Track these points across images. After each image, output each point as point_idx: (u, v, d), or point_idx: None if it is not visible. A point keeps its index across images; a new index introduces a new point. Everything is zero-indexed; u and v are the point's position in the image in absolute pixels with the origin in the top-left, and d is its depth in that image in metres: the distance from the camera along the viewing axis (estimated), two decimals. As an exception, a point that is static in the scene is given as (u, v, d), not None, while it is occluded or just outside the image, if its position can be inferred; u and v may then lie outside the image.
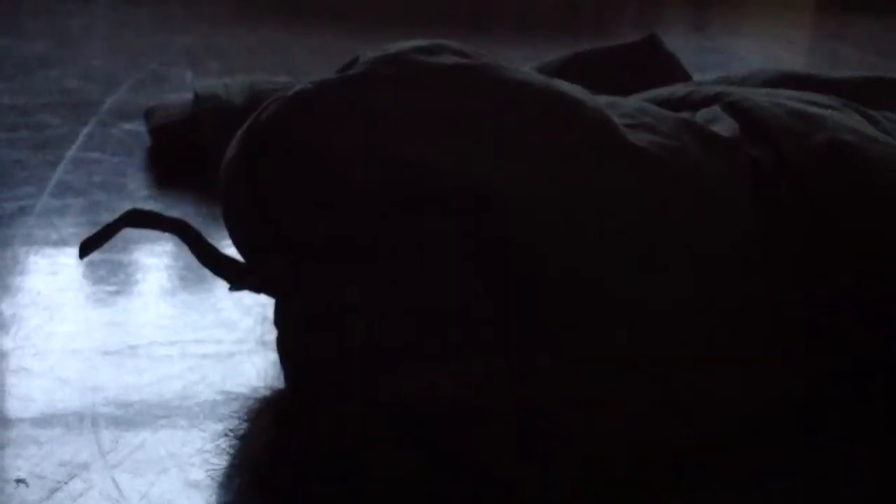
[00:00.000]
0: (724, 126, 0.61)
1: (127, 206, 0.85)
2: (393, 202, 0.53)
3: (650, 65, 0.96)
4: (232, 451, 0.54)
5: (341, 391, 0.57)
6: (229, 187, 0.57)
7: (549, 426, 0.55)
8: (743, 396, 0.58)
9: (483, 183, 0.53)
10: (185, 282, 0.73)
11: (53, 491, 0.49)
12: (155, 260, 0.76)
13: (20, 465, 0.51)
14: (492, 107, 0.56)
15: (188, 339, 0.65)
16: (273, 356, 0.63)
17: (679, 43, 1.66)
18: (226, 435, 0.55)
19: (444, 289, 0.53)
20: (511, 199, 0.53)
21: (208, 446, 0.54)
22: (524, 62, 1.43)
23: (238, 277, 0.58)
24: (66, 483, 0.50)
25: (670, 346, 0.56)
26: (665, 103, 0.71)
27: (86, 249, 0.56)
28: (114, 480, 0.51)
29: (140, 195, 0.88)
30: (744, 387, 0.58)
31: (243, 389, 0.60)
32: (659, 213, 0.55)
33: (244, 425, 0.56)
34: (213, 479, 0.51)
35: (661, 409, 0.56)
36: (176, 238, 0.79)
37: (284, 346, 0.59)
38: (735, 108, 0.63)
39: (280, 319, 0.58)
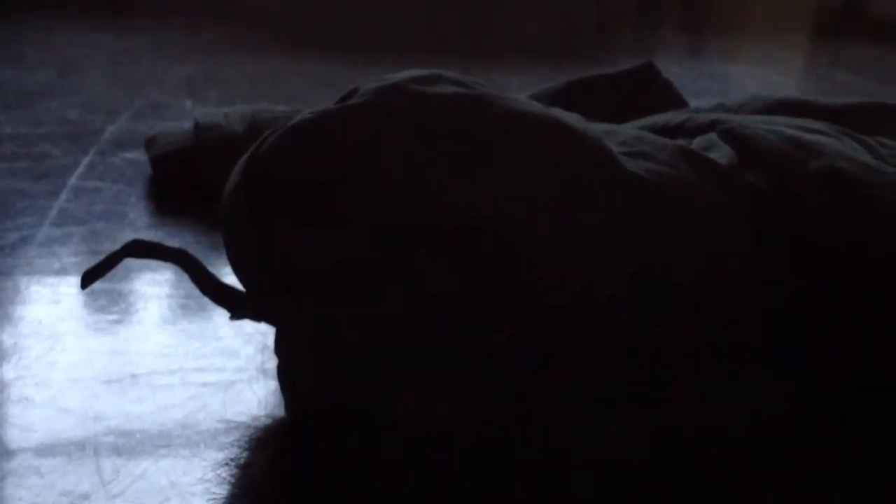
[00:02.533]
0: (721, 153, 0.62)
1: (128, 234, 0.86)
2: (392, 232, 0.54)
3: (647, 92, 0.97)
4: (233, 481, 0.54)
5: (341, 420, 0.57)
6: (230, 218, 0.58)
7: (550, 453, 0.55)
8: (739, 420, 0.58)
9: (482, 212, 0.53)
10: (186, 311, 0.73)
11: (55, 521, 0.50)
12: (156, 289, 0.76)
13: (21, 496, 0.51)
14: (490, 136, 0.56)
15: (189, 367, 0.65)
16: (274, 384, 0.63)
17: (676, 68, 1.67)
18: (227, 464, 0.55)
19: (446, 317, 0.54)
20: (509, 228, 0.53)
21: (209, 475, 0.54)
22: (521, 89, 1.44)
23: (239, 307, 0.58)
24: (67, 513, 0.50)
25: (668, 370, 0.56)
26: (662, 131, 0.71)
27: (88, 279, 0.57)
28: (115, 510, 0.51)
29: (141, 224, 0.88)
30: (740, 410, 0.58)
31: (244, 418, 0.60)
32: (655, 240, 0.55)
33: (245, 454, 0.56)
34: (214, 508, 0.51)
35: (661, 436, 0.57)
36: (176, 267, 0.80)
37: (285, 375, 0.59)
38: (731, 136, 0.64)
39: (281, 348, 0.59)
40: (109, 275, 0.77)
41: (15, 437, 0.56)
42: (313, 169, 0.55)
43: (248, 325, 0.71)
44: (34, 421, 0.58)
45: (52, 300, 0.73)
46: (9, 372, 0.63)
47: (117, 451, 0.56)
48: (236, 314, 0.58)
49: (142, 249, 0.57)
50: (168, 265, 0.80)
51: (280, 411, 0.60)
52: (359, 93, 0.58)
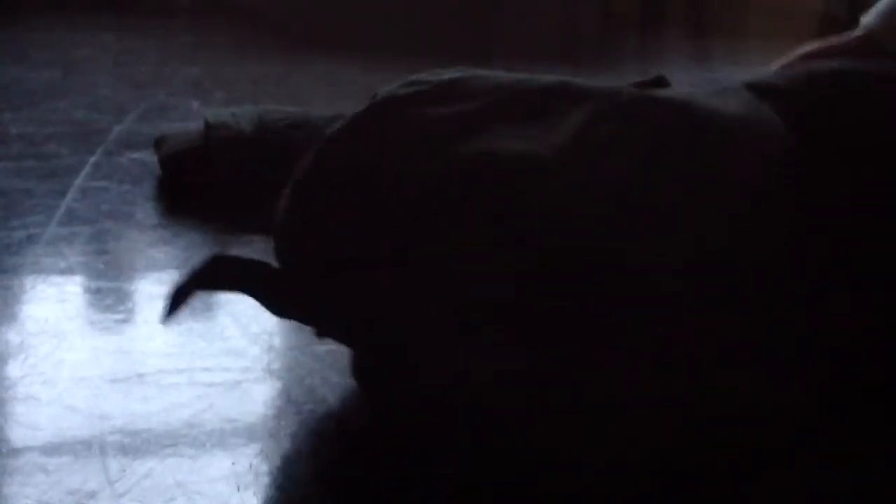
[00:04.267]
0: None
1: (135, 234, 0.86)
2: (429, 204, 0.55)
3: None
4: (239, 480, 0.54)
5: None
6: (287, 225, 0.59)
7: (553, 454, 0.55)
8: (740, 420, 0.58)
9: (513, 173, 0.55)
10: (192, 310, 0.73)
11: (62, 519, 0.50)
12: (162, 288, 0.76)
13: (28, 494, 0.51)
14: (510, 98, 0.59)
15: (195, 367, 0.65)
16: (280, 384, 0.63)
17: (682, 74, 1.67)
18: (233, 463, 0.55)
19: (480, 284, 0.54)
20: (540, 184, 0.54)
21: (215, 475, 0.54)
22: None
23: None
24: (74, 511, 0.50)
25: (668, 370, 0.56)
26: None
27: (171, 312, 0.56)
28: (122, 508, 0.51)
29: (148, 224, 0.88)
30: (741, 410, 0.58)
31: (250, 418, 0.60)
32: (685, 183, 0.56)
33: (251, 454, 0.56)
34: (220, 507, 0.51)
35: (661, 436, 0.56)
36: (180, 265, 0.80)
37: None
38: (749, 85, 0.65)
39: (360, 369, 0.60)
40: (115, 274, 0.78)
41: (21, 436, 0.56)
42: (358, 167, 0.56)
43: (254, 324, 0.71)
44: (41, 419, 0.58)
45: (59, 299, 0.73)
46: (15, 370, 0.63)
47: (123, 449, 0.56)
48: (323, 332, 0.60)
49: (223, 271, 0.57)
50: (173, 264, 0.80)
51: (286, 411, 0.60)
52: (377, 96, 0.60)
